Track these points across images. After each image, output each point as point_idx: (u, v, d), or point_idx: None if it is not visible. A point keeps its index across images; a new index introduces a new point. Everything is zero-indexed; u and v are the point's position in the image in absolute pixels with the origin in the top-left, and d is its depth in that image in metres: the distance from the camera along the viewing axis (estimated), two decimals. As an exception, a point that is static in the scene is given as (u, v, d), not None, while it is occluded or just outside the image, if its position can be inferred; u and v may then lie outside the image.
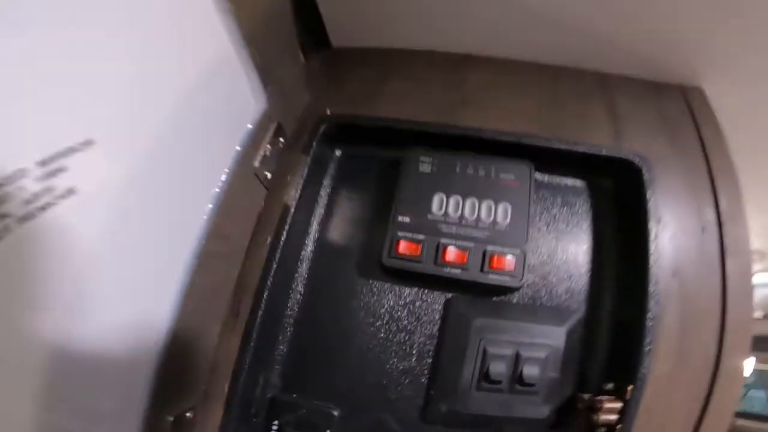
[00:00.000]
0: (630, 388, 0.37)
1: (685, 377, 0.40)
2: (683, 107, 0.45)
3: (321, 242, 0.47)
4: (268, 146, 0.40)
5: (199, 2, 0.29)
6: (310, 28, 0.49)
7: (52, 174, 0.20)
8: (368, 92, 0.48)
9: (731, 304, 0.40)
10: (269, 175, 0.43)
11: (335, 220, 0.48)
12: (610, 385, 0.39)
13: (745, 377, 0.41)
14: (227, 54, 0.32)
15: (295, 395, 0.44)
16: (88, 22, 0.22)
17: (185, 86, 0.30)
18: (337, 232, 0.47)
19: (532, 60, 0.47)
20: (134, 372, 0.33)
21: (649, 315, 0.37)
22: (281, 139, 0.43)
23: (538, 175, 0.45)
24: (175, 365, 0.38)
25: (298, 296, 0.46)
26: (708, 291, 0.40)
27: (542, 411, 0.41)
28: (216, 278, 0.40)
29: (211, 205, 0.35)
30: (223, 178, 0.36)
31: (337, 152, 0.49)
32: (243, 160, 0.37)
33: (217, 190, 0.36)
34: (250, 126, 0.37)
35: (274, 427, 0.43)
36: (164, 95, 0.28)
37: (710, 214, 0.41)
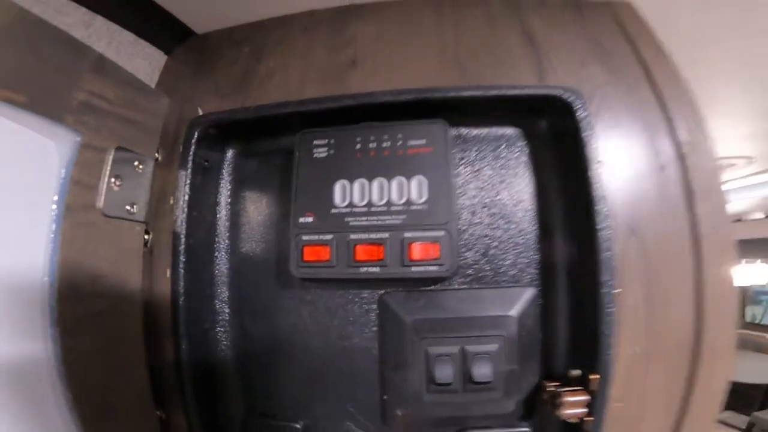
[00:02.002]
0: (594, 378, 0.31)
1: (660, 360, 0.34)
2: (613, 26, 0.37)
3: (235, 259, 0.41)
4: (113, 180, 0.33)
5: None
6: (161, 20, 0.41)
7: None
8: (240, 76, 0.40)
9: (707, 261, 0.32)
10: (134, 209, 0.35)
11: (245, 230, 0.41)
12: (576, 372, 0.33)
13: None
14: None
15: (260, 415, 0.41)
16: None
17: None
18: (250, 245, 0.41)
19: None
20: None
21: (605, 290, 0.30)
22: (137, 164, 0.36)
23: (462, 130, 0.38)
24: None
25: (225, 319, 0.41)
26: (676, 248, 0.33)
27: (506, 406, 0.35)
28: (104, 338, 0.33)
29: (47, 278, 0.29)
30: (51, 241, 0.29)
31: (229, 152, 0.42)
32: (74, 208, 0.30)
33: (50, 252, 0.29)
34: (59, 173, 0.29)
35: None
36: None
37: (668, 149, 0.33)
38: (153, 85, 0.43)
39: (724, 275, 0.32)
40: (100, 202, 0.32)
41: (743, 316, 4.97)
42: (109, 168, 0.33)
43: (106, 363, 0.33)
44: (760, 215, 3.13)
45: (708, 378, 0.33)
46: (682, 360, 0.33)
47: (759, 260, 4.01)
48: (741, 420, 3.96)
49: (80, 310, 0.31)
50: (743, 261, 4.17)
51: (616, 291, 0.31)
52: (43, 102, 0.28)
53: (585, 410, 0.32)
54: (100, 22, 0.40)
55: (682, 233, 0.32)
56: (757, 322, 4.57)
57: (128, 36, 0.42)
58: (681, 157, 0.33)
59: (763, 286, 4.63)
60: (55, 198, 0.29)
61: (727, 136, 0.93)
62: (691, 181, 0.32)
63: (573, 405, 0.32)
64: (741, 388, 3.78)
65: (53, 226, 0.29)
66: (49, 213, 0.29)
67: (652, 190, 0.33)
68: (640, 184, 0.33)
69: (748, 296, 4.81)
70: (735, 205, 2.50)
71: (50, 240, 0.28)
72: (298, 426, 0.39)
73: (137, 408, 0.36)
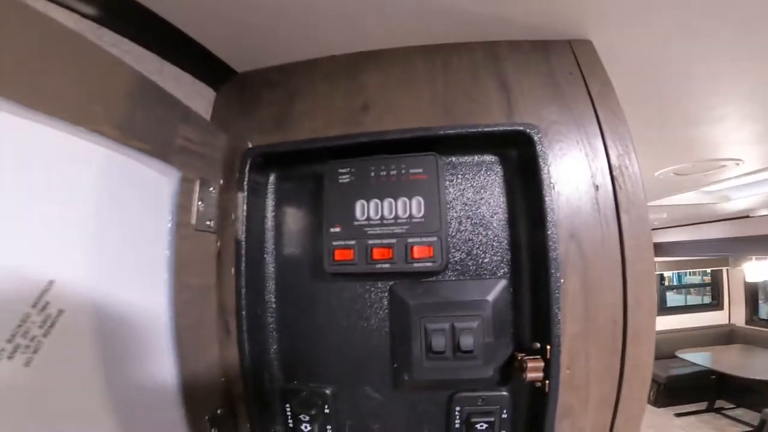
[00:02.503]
0: (548, 348, 0.42)
1: (596, 336, 0.45)
2: (572, 62, 0.47)
3: (279, 259, 0.53)
4: (200, 202, 0.46)
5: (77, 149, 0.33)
6: (210, 62, 0.53)
7: (44, 308, 0.31)
8: (280, 116, 0.52)
9: (630, 260, 0.43)
10: (211, 223, 0.48)
11: (286, 237, 0.53)
12: (537, 345, 0.45)
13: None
14: (116, 169, 0.37)
15: (296, 382, 0.54)
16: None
17: (102, 209, 0.36)
18: (290, 247, 0.53)
19: (423, 43, 0.49)
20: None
21: (553, 280, 0.42)
22: (211, 189, 0.49)
23: (452, 158, 0.49)
24: (195, 381, 0.46)
25: (273, 307, 0.53)
26: (606, 249, 0.44)
27: (486, 372, 0.47)
28: (195, 316, 0.47)
29: (167, 273, 0.42)
30: (166, 247, 0.42)
31: (272, 176, 0.54)
32: (182, 227, 0.43)
33: (167, 254, 0.42)
34: (172, 200, 0.43)
35: (288, 410, 0.53)
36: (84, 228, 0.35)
37: (602, 172, 0.44)
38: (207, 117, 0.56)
39: (644, 270, 0.43)
40: (194, 220, 0.45)
41: (756, 312, 4.92)
42: (197, 194, 0.46)
43: (195, 336, 0.47)
44: (765, 212, 3.03)
45: (636, 353, 0.44)
46: (615, 337, 0.44)
47: None
48: (752, 417, 3.94)
49: (184, 295, 0.44)
50: (753, 258, 4.11)
51: (561, 281, 0.43)
52: (160, 148, 0.40)
53: (542, 374, 0.43)
54: (167, 68, 0.51)
55: (611, 237, 0.43)
56: None
57: (188, 77, 0.54)
58: (612, 179, 0.43)
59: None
60: (171, 217, 0.42)
61: (719, 141, 1.02)
62: (618, 197, 0.43)
63: (534, 369, 0.43)
64: (754, 384, 3.86)
65: (168, 238, 0.42)
66: (165, 227, 0.42)
67: (589, 204, 0.44)
68: (579, 200, 0.44)
69: (767, 295, 4.81)
70: (739, 202, 2.46)
71: (167, 247, 0.42)
72: (327, 391, 0.52)
73: (213, 367, 0.50)
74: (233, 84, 0.56)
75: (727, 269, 5.09)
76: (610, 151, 0.44)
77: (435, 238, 0.44)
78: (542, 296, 0.44)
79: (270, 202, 0.54)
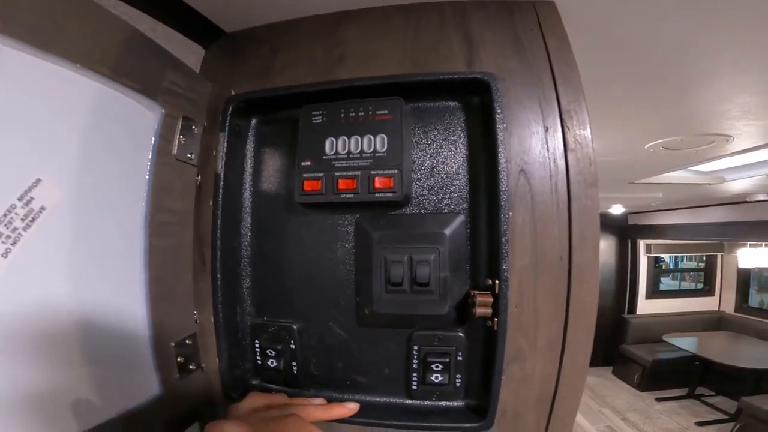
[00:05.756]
0: (497, 282, 0.45)
1: (544, 272, 0.48)
2: (534, 21, 0.50)
3: (255, 194, 0.58)
4: (181, 136, 0.50)
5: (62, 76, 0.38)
6: (200, 23, 0.58)
7: (28, 202, 0.35)
8: (263, 68, 0.56)
9: (576, 195, 0.46)
10: (192, 156, 0.53)
11: (263, 174, 0.57)
12: (489, 282, 0.47)
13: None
14: (106, 100, 0.42)
15: (265, 318, 0.57)
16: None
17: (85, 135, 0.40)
18: (266, 184, 0.57)
19: (400, 3, 0.53)
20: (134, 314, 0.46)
21: (502, 212, 0.45)
22: (194, 127, 0.53)
23: (420, 104, 0.53)
24: (164, 304, 0.50)
25: (248, 241, 0.57)
26: (553, 184, 0.47)
27: (442, 307, 0.50)
28: (171, 240, 0.51)
29: (145, 193, 0.46)
30: (147, 172, 0.47)
31: (253, 121, 0.58)
32: (162, 155, 0.48)
33: (146, 177, 0.47)
34: (155, 130, 0.48)
35: (257, 345, 0.56)
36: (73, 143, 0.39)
37: (553, 115, 0.47)
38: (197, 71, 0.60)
39: (589, 206, 0.46)
40: (174, 150, 0.49)
41: (747, 300, 4.97)
42: (179, 129, 0.50)
43: (171, 259, 0.50)
44: (763, 196, 2.97)
45: (580, 291, 0.47)
46: (561, 275, 0.47)
47: (764, 244, 4.02)
48: (730, 405, 3.97)
49: (161, 217, 0.48)
50: (747, 244, 4.17)
51: (510, 214, 0.46)
52: (147, 88, 0.45)
53: (491, 310, 0.46)
54: (161, 28, 0.56)
55: (558, 173, 0.46)
56: (764, 308, 4.71)
57: (180, 37, 0.58)
58: (562, 121, 0.47)
59: (775, 272, 4.65)
60: (152, 145, 0.46)
61: (706, 116, 1.03)
62: (567, 137, 0.46)
63: (483, 305, 0.46)
64: (736, 372, 3.90)
65: (148, 163, 0.46)
66: (146, 157, 0.46)
67: (539, 143, 0.47)
68: (530, 139, 0.47)
69: (759, 284, 4.86)
70: (735, 184, 2.43)
71: (148, 170, 0.46)
72: (294, 327, 0.55)
73: (186, 295, 0.53)
74: (222, 42, 0.60)
75: (722, 255, 5.14)
76: (562, 99, 0.47)
77: (396, 171, 0.48)
78: (494, 231, 0.47)
79: (250, 144, 0.58)
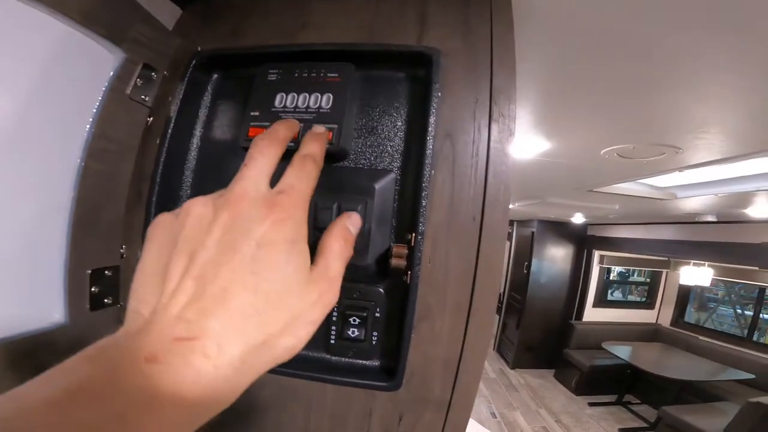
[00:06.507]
0: (414, 235, 0.47)
1: (457, 230, 0.50)
2: (486, 8, 0.55)
3: (204, 140, 0.60)
4: (138, 79, 0.53)
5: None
6: None
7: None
8: (232, 31, 0.61)
9: (493, 161, 0.50)
10: (147, 98, 0.55)
11: (215, 124, 0.60)
12: (409, 236, 0.49)
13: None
14: (71, 41, 0.46)
15: None
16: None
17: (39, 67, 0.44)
18: (216, 131, 0.60)
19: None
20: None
21: (426, 170, 0.48)
22: (154, 74, 0.56)
23: (371, 72, 0.56)
24: (87, 229, 0.50)
25: (190, 180, 0.59)
26: (474, 149, 0.51)
27: (364, 258, 0.51)
28: (109, 167, 0.52)
29: (90, 122, 0.49)
30: (96, 105, 0.50)
31: (215, 76, 0.61)
32: (115, 91, 0.51)
33: (94, 111, 0.49)
34: (113, 71, 0.51)
35: None
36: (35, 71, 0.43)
37: (483, 90, 0.52)
38: (170, 28, 0.64)
39: (503, 171, 0.50)
40: (128, 90, 0.52)
41: (683, 315, 5.32)
42: (137, 73, 0.53)
43: (104, 184, 0.52)
44: (712, 218, 3.15)
45: (488, 249, 0.49)
46: (472, 234, 0.49)
47: (706, 264, 4.25)
48: (651, 414, 4.19)
49: (101, 144, 0.50)
50: (691, 263, 4.42)
51: (432, 172, 0.49)
52: (113, 35, 0.49)
53: (405, 262, 0.47)
54: None
55: (480, 141, 0.50)
56: (699, 324, 5.07)
57: None
58: (491, 96, 0.51)
59: (714, 294, 5.12)
60: (107, 83, 0.49)
61: (658, 126, 1.10)
62: (492, 110, 0.50)
63: (398, 255, 0.48)
64: (660, 382, 4.12)
65: (100, 98, 0.49)
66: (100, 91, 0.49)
67: (468, 113, 0.51)
68: (461, 110, 0.51)
69: (699, 302, 5.24)
70: (686, 203, 2.58)
71: (98, 104, 0.48)
72: None
73: (114, 225, 0.54)
74: (198, 5, 0.65)
75: (667, 272, 5.52)
76: (495, 77, 0.52)
77: (335, 125, 0.51)
78: (417, 188, 0.49)
79: (207, 96, 0.61)
